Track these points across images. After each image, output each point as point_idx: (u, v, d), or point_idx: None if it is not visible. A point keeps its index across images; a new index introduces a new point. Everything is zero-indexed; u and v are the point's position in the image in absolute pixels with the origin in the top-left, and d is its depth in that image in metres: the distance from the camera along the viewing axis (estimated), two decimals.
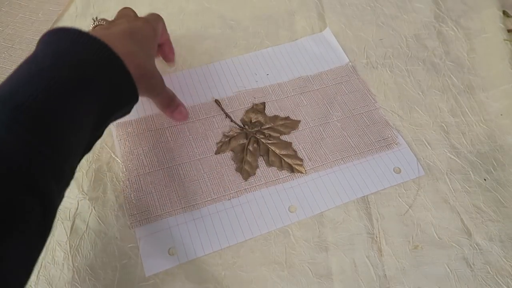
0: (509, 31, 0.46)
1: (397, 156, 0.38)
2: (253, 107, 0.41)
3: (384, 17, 0.49)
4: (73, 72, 0.25)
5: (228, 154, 0.38)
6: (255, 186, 0.36)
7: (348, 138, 0.39)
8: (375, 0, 0.51)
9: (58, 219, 0.34)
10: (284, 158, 0.38)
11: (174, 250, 0.33)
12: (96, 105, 0.27)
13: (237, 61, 0.45)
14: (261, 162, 0.38)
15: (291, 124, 0.40)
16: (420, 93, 0.43)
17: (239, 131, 0.39)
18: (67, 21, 0.49)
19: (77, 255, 0.33)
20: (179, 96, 0.39)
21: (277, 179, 0.37)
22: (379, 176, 0.37)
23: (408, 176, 0.37)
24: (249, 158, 0.38)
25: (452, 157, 0.38)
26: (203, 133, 0.39)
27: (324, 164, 0.37)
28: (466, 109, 0.42)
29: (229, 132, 0.39)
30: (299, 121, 0.40)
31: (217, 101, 0.41)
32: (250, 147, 0.38)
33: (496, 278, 0.32)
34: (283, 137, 0.39)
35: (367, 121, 0.40)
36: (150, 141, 0.38)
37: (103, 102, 0.27)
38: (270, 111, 0.41)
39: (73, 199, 0.35)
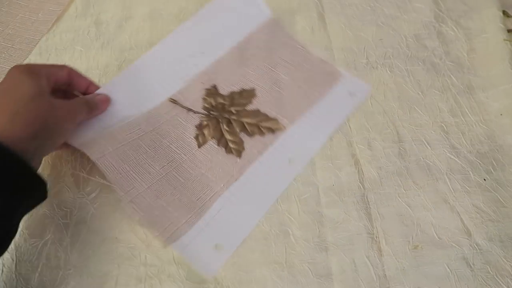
0: (509, 31, 0.46)
1: (346, 84, 0.43)
2: (207, 92, 0.41)
3: (384, 17, 0.49)
4: None
5: (211, 142, 0.38)
6: (251, 158, 0.38)
7: (301, 86, 0.42)
8: (375, 0, 0.51)
9: (58, 219, 0.34)
10: (260, 124, 0.39)
11: (219, 245, 0.33)
12: None
13: (166, 47, 0.43)
14: (243, 136, 0.39)
15: (249, 94, 0.41)
16: (420, 93, 0.43)
17: (207, 118, 0.39)
18: (67, 21, 0.49)
19: (77, 255, 0.33)
20: (125, 106, 0.38)
21: (265, 143, 0.39)
22: (342, 105, 0.41)
23: (363, 96, 0.42)
24: (230, 137, 0.39)
25: (452, 157, 0.38)
26: (176, 134, 0.38)
27: (295, 114, 0.40)
28: (466, 109, 0.42)
29: (199, 123, 0.39)
30: (254, 89, 0.42)
31: (172, 100, 0.40)
32: (226, 128, 0.39)
33: (496, 278, 0.32)
34: (248, 107, 0.41)
35: (307, 66, 0.43)
36: (129, 155, 0.35)
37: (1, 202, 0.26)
38: (223, 90, 0.42)
39: (73, 199, 0.35)
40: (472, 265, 0.32)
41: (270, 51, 0.44)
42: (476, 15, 0.49)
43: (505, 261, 0.33)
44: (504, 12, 0.48)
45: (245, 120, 0.40)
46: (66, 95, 0.36)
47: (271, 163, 0.38)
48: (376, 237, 0.34)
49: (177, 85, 0.41)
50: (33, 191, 0.29)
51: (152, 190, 0.34)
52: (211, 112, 0.40)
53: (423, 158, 0.38)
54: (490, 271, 0.32)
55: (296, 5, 0.50)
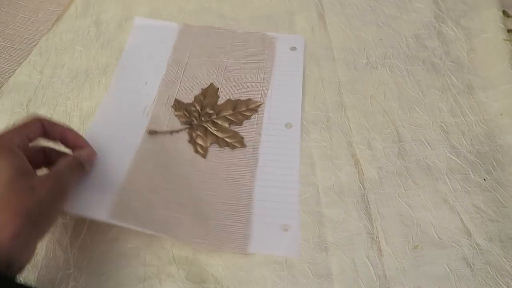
0: (509, 31, 0.46)
1: (283, 42, 0.46)
2: (175, 108, 0.40)
3: (384, 17, 0.49)
4: None
5: (212, 147, 0.38)
6: (254, 141, 0.39)
7: (248, 61, 0.45)
8: (375, 0, 0.51)
9: (58, 219, 0.34)
10: (240, 110, 0.40)
11: (286, 226, 0.34)
12: None
13: (112, 98, 0.41)
14: (234, 128, 0.40)
15: (211, 90, 0.42)
16: (420, 93, 0.43)
17: (193, 130, 0.39)
18: (67, 21, 0.49)
19: (77, 255, 0.33)
20: (108, 154, 0.36)
21: (255, 123, 0.40)
22: (292, 61, 0.45)
23: (302, 47, 0.46)
24: (224, 134, 0.39)
25: (452, 157, 0.38)
26: (177, 160, 0.37)
27: (262, 87, 0.42)
28: (466, 109, 0.42)
29: (189, 138, 0.39)
30: (212, 84, 0.43)
31: (150, 131, 0.38)
32: (215, 129, 0.39)
33: (496, 278, 0.32)
34: (219, 101, 0.42)
35: (242, 43, 0.46)
36: (151, 199, 0.34)
37: None
38: (186, 98, 0.42)
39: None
40: (472, 265, 0.32)
41: (202, 46, 0.46)
42: (476, 15, 0.49)
43: (505, 261, 0.33)
44: (504, 12, 0.48)
45: (225, 114, 0.40)
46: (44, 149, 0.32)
47: (273, 136, 0.39)
48: (376, 237, 0.34)
49: (144, 118, 0.40)
50: None
51: (199, 219, 0.33)
52: (192, 123, 0.40)
53: (423, 158, 0.38)
54: (490, 271, 0.32)
55: (296, 5, 0.51)
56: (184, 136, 0.39)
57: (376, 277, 0.32)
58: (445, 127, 0.40)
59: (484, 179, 0.37)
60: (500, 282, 0.32)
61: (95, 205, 0.32)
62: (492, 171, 0.37)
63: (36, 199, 0.25)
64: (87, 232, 0.34)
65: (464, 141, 0.39)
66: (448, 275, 0.32)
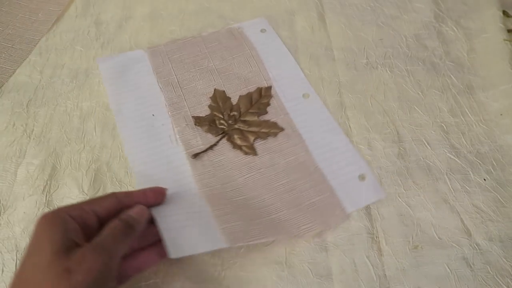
0: (509, 31, 0.46)
1: (250, 29, 0.48)
2: (196, 124, 0.40)
3: (384, 17, 0.49)
4: None
5: (257, 142, 0.39)
6: (287, 121, 0.40)
7: (233, 56, 0.45)
8: (375, 0, 0.51)
9: None
10: (258, 100, 0.41)
11: (361, 176, 0.36)
12: None
13: (132, 142, 0.39)
14: (261, 118, 0.40)
15: (219, 94, 0.42)
16: (420, 93, 0.43)
17: (229, 136, 0.39)
18: (67, 21, 0.49)
19: None
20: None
21: (278, 106, 0.41)
22: (270, 42, 0.47)
23: (270, 28, 0.48)
24: (257, 127, 0.39)
25: (452, 157, 0.38)
26: (232, 171, 0.37)
27: (261, 72, 0.44)
28: (466, 109, 0.42)
29: (232, 145, 0.38)
30: (215, 89, 0.42)
31: (192, 156, 0.37)
32: (246, 126, 0.40)
33: (496, 278, 0.32)
34: (233, 101, 0.42)
35: (216, 43, 0.46)
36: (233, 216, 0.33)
37: None
38: (201, 112, 0.41)
39: (73, 199, 0.35)
40: (472, 265, 0.32)
41: (181, 61, 0.45)
42: (476, 15, 0.49)
43: (505, 261, 0.33)
44: (504, 12, 0.48)
45: (247, 109, 0.41)
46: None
47: (298, 110, 0.41)
48: (376, 237, 0.34)
49: (177, 146, 0.38)
50: None
51: (292, 209, 0.34)
52: (225, 131, 0.39)
53: (423, 158, 0.38)
54: (490, 271, 0.32)
55: (296, 5, 0.51)
56: (225, 145, 0.38)
57: (376, 277, 0.32)
58: (445, 127, 0.40)
59: (484, 179, 0.37)
60: (500, 282, 0.32)
61: (206, 238, 0.31)
62: (492, 171, 0.37)
63: (74, 282, 0.22)
64: None
65: (464, 141, 0.39)
66: (448, 275, 0.32)
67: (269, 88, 0.42)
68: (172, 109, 0.41)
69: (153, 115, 0.40)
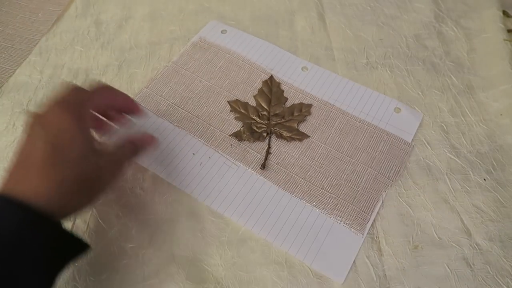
0: (509, 31, 0.46)
1: (212, 27, 0.48)
2: (243, 136, 0.39)
3: (384, 17, 0.49)
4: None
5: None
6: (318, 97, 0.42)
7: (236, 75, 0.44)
8: (375, 0, 0.51)
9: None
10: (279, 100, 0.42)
11: (398, 108, 0.41)
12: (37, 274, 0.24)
13: None
14: (285, 106, 0.42)
15: (237, 103, 0.41)
16: (420, 93, 0.43)
17: (268, 134, 0.39)
18: (67, 21, 0.49)
19: None
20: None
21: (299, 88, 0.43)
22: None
23: (232, 29, 0.48)
24: (292, 114, 0.41)
25: (452, 157, 0.38)
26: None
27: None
28: (466, 109, 0.42)
29: (267, 147, 0.38)
30: (228, 101, 0.42)
31: (262, 166, 0.37)
32: (282, 119, 0.41)
33: (496, 278, 0.32)
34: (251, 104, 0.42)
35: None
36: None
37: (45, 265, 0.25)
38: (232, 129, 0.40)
39: None
40: (472, 265, 0.32)
41: (174, 91, 0.42)
42: (476, 15, 0.49)
43: (505, 261, 0.33)
44: (504, 12, 0.48)
45: (269, 104, 0.41)
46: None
47: (311, 82, 0.43)
48: (376, 237, 0.34)
49: (239, 169, 0.37)
50: (77, 254, 0.29)
51: (372, 161, 0.38)
52: (267, 131, 0.39)
53: (423, 158, 0.38)
54: (490, 271, 0.32)
55: (296, 5, 0.51)
56: (278, 143, 0.39)
57: (376, 277, 0.32)
58: (445, 127, 0.40)
59: (484, 179, 0.37)
60: (500, 282, 0.32)
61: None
62: (492, 171, 0.37)
63: (100, 177, 0.28)
64: (87, 232, 0.34)
65: (464, 141, 0.39)
66: (448, 275, 0.32)
67: (271, 78, 0.43)
68: (206, 139, 0.39)
69: (193, 154, 0.38)
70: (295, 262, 0.33)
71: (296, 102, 0.42)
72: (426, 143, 0.39)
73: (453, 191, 0.36)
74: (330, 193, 0.36)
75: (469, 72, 0.44)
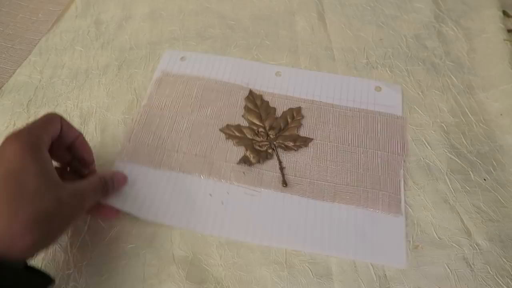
0: (509, 31, 0.46)
1: (169, 57, 0.45)
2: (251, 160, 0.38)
3: (384, 17, 0.49)
4: None
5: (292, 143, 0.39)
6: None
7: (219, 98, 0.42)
8: (375, 0, 0.51)
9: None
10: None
11: (379, 87, 0.42)
12: None
13: None
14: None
15: (234, 128, 0.39)
16: (420, 93, 0.43)
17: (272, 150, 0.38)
18: (67, 21, 0.49)
19: (77, 255, 0.33)
20: None
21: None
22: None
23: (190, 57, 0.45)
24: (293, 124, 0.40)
25: (452, 157, 0.38)
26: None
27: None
28: (466, 109, 0.42)
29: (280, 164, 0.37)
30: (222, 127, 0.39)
31: (283, 183, 0.36)
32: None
33: (496, 278, 0.32)
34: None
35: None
36: None
37: None
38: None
39: None
40: (472, 265, 0.32)
41: (158, 137, 0.39)
42: (476, 15, 0.49)
43: (505, 261, 0.33)
44: (504, 12, 0.48)
45: (261, 119, 0.40)
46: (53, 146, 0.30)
47: (290, 84, 0.43)
48: None
49: (263, 192, 0.36)
50: None
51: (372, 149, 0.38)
52: (271, 146, 0.38)
53: (423, 158, 0.38)
54: (490, 271, 0.32)
55: (296, 5, 0.51)
56: (288, 155, 0.38)
57: (376, 277, 0.32)
58: (445, 127, 0.40)
59: (484, 179, 0.37)
60: (500, 282, 0.32)
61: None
62: (492, 171, 0.37)
63: (61, 213, 0.25)
64: (87, 232, 0.34)
65: (464, 141, 0.39)
66: (448, 275, 0.32)
67: (251, 93, 0.42)
68: (217, 176, 0.36)
69: (210, 195, 0.36)
70: (295, 262, 0.33)
71: (285, 109, 0.41)
72: (426, 143, 0.39)
73: (453, 191, 0.36)
74: (356, 186, 0.36)
75: (469, 72, 0.44)
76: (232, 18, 0.49)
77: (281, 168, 0.37)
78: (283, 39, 0.47)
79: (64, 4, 0.51)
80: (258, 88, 0.42)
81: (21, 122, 0.40)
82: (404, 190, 0.36)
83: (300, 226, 0.34)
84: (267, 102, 0.41)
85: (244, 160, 0.37)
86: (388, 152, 0.38)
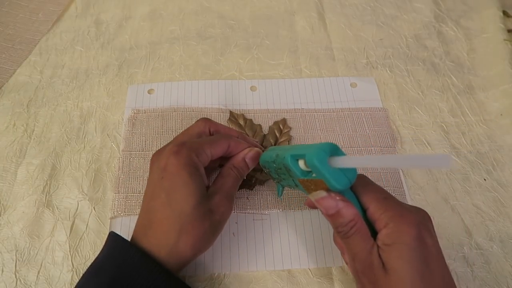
0: (509, 31, 0.46)
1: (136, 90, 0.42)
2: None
3: (384, 17, 0.49)
4: None
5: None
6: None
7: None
8: (375, 0, 0.51)
9: (58, 219, 0.34)
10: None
11: (354, 83, 0.42)
12: None
13: None
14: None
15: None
16: (420, 93, 0.43)
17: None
18: (67, 21, 0.49)
19: (77, 255, 0.33)
20: None
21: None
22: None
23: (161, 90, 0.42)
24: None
25: (452, 157, 0.38)
26: None
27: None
28: (466, 109, 0.42)
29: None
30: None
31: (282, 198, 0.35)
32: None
33: (496, 278, 0.32)
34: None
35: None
36: None
37: None
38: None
39: (73, 199, 0.35)
40: (472, 265, 0.32)
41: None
42: (476, 15, 0.49)
43: (505, 261, 0.33)
44: (504, 12, 0.48)
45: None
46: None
47: (265, 94, 0.42)
48: None
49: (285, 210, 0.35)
50: None
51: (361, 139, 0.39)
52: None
53: None
54: (490, 271, 0.32)
55: (296, 5, 0.51)
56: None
57: None
58: (445, 127, 0.40)
59: (484, 179, 0.37)
60: (500, 282, 0.32)
61: None
62: (492, 171, 0.37)
63: (213, 221, 0.27)
64: (87, 232, 0.34)
65: (464, 141, 0.39)
66: None
67: (232, 114, 0.40)
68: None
69: (233, 234, 0.34)
70: None
71: (270, 124, 0.39)
72: (426, 143, 0.39)
73: (453, 191, 0.36)
74: None
75: (469, 72, 0.44)
76: (232, 18, 0.49)
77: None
78: (283, 39, 0.47)
79: (64, 4, 0.51)
80: (237, 107, 0.41)
81: (21, 122, 0.40)
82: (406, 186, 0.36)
83: (309, 241, 0.33)
84: (251, 120, 0.39)
85: (245, 185, 0.36)
86: (380, 146, 0.38)
